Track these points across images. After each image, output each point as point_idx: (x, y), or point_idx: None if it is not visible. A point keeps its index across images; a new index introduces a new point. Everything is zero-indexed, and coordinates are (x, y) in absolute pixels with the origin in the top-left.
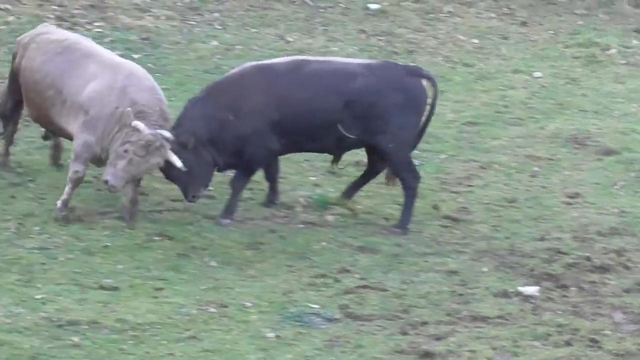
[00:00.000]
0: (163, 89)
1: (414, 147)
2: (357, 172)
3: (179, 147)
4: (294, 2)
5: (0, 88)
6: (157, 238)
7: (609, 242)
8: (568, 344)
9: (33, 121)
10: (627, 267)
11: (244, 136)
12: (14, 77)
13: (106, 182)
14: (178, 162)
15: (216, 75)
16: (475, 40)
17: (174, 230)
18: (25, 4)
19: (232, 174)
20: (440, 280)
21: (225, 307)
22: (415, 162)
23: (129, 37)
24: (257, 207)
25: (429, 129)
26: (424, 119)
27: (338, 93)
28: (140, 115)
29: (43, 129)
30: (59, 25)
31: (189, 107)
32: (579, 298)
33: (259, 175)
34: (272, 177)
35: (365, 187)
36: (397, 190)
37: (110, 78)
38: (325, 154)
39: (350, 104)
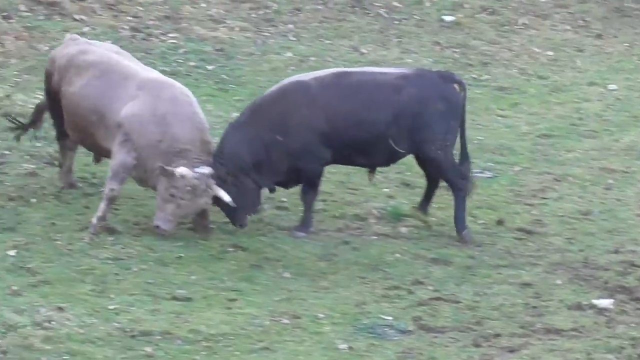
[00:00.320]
0: (237, 100)
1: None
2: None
3: (218, 181)
4: (369, 13)
5: None
6: (230, 249)
7: None
8: None
9: (77, 144)
10: None
11: (294, 153)
12: (54, 97)
13: (157, 227)
14: (226, 197)
15: None
16: (550, 53)
17: (247, 241)
18: (100, 15)
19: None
20: (514, 292)
21: (298, 318)
22: (489, 174)
23: (203, 48)
24: (330, 218)
25: (502, 141)
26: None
27: (386, 106)
28: (181, 154)
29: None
30: (133, 37)
31: (230, 131)
32: None
33: (332, 188)
34: None
35: (439, 200)
36: (471, 202)
37: (150, 102)
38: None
39: (398, 116)
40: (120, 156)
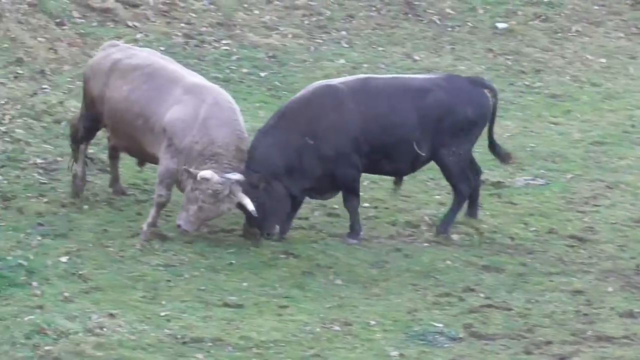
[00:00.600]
0: None
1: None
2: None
3: (249, 187)
4: (422, 20)
5: None
6: (282, 256)
7: None
8: None
9: (121, 151)
10: None
11: (327, 158)
12: (91, 102)
13: (179, 226)
14: (250, 206)
15: None
16: (603, 60)
17: (299, 248)
18: (153, 22)
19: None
20: (566, 299)
21: (350, 325)
22: (541, 181)
23: (256, 55)
24: (382, 225)
25: (554, 148)
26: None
27: (412, 109)
28: (213, 157)
29: None
30: (186, 43)
31: (260, 137)
32: None
33: (384, 195)
34: None
35: (491, 207)
36: (523, 209)
37: (194, 105)
38: None
39: (424, 120)
40: (164, 162)
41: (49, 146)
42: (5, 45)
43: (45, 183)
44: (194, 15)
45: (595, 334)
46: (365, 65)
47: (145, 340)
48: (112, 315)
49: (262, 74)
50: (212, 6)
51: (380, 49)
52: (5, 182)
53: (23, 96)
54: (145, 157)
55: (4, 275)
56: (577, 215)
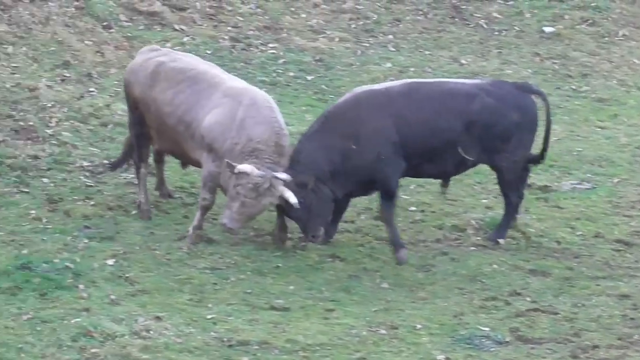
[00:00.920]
0: None
1: (537, 163)
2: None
3: (297, 187)
4: (469, 24)
5: None
6: (329, 259)
7: None
8: None
9: (166, 154)
10: None
11: (368, 162)
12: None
13: (224, 224)
14: (293, 199)
15: None
16: None
17: (345, 251)
18: (200, 25)
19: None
20: (612, 304)
21: (396, 328)
22: (588, 185)
23: (303, 58)
24: (429, 229)
25: (601, 152)
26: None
27: (458, 114)
28: (253, 153)
29: None
30: (232, 47)
31: (304, 141)
32: None
33: (430, 198)
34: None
35: (537, 211)
36: (569, 213)
37: (231, 108)
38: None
39: (470, 125)
40: (207, 166)
41: (95, 149)
42: (53, 48)
43: (91, 186)
44: (240, 18)
45: None
46: (411, 69)
47: (192, 343)
48: (158, 318)
49: (309, 78)
50: (259, 10)
51: (426, 52)
52: (52, 185)
53: (70, 99)
54: (188, 161)
55: (50, 278)
56: (623, 220)
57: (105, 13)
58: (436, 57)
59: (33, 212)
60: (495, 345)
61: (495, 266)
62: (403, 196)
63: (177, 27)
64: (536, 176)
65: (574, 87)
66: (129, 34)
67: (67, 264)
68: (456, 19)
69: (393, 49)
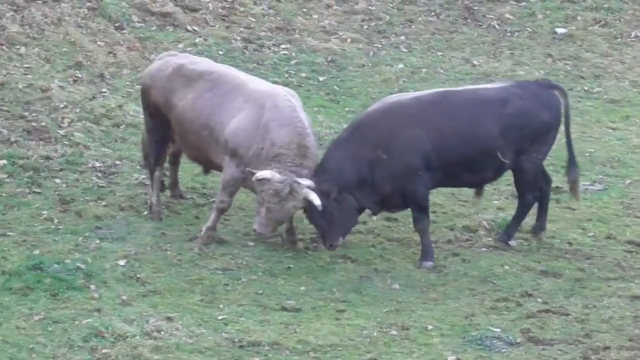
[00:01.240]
0: (348, 112)
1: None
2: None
3: (320, 195)
4: (481, 25)
5: None
6: (340, 260)
7: None
8: None
9: (190, 160)
10: None
11: (398, 173)
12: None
13: (254, 230)
14: (316, 201)
15: None
16: None
17: (357, 252)
18: (212, 26)
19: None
20: (623, 305)
21: (407, 329)
22: (600, 186)
23: (315, 59)
24: (440, 230)
25: (613, 154)
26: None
27: (494, 120)
28: (276, 158)
29: None
30: (245, 48)
31: (332, 148)
32: None
33: (442, 199)
34: None
35: (549, 212)
36: (581, 214)
37: (255, 112)
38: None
39: (506, 129)
40: (230, 170)
41: (107, 150)
42: (65, 49)
43: (103, 187)
44: (253, 19)
45: None
46: (424, 70)
47: (203, 343)
48: (169, 319)
49: (321, 79)
50: (271, 10)
51: (439, 53)
52: (64, 185)
53: (82, 100)
54: (212, 167)
55: (62, 279)
56: (635, 221)
57: (118, 14)
58: (448, 58)
59: (45, 212)
60: (506, 346)
61: (506, 267)
62: None
63: (189, 28)
64: None
65: (586, 88)
66: (142, 35)
67: (79, 264)
68: (469, 20)
69: (405, 50)
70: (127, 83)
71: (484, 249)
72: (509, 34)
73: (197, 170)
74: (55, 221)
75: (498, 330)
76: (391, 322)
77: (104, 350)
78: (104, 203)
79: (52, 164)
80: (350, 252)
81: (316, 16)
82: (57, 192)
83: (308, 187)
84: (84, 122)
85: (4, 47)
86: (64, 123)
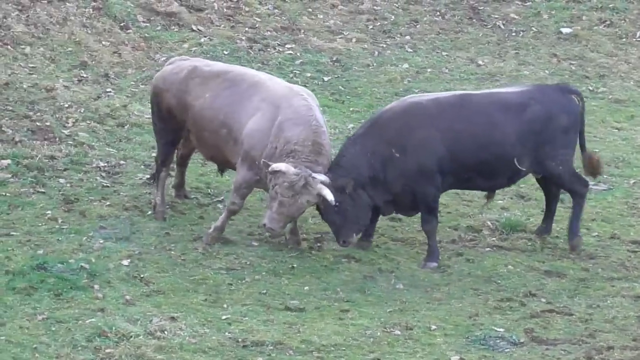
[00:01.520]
0: (353, 111)
1: None
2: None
3: (335, 191)
4: (486, 25)
5: None
6: (344, 260)
7: None
8: None
9: (207, 159)
10: None
11: (409, 173)
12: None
13: (264, 225)
14: (330, 196)
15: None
16: None
17: (361, 252)
18: (217, 26)
19: None
20: (627, 305)
21: (411, 329)
22: (604, 186)
23: (320, 59)
24: (444, 229)
25: (618, 153)
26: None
27: (512, 125)
28: (290, 154)
29: None
30: (250, 48)
31: (348, 144)
32: None
33: (446, 199)
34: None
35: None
36: (585, 214)
37: (271, 113)
38: None
39: (523, 135)
40: (242, 172)
41: (112, 149)
42: (70, 48)
43: (108, 186)
44: (258, 19)
45: None
46: (429, 70)
47: (206, 343)
48: (173, 319)
49: (326, 78)
50: (276, 10)
51: (444, 53)
52: (68, 185)
53: (87, 100)
54: (228, 166)
55: (66, 278)
56: (639, 221)
57: (123, 14)
58: (453, 58)
59: (49, 212)
60: (510, 346)
61: (510, 267)
62: None
63: (194, 27)
64: None
65: (591, 88)
66: (147, 35)
67: (83, 264)
68: (474, 20)
69: (410, 50)
70: (132, 83)
71: (488, 249)
72: (514, 34)
73: (201, 171)
74: (59, 221)
75: (502, 330)
76: (395, 321)
77: (107, 350)
78: (108, 203)
79: (57, 164)
80: (354, 252)
81: (321, 16)
82: (61, 192)
83: (322, 182)
84: (88, 121)
85: (9, 46)
86: (68, 123)
